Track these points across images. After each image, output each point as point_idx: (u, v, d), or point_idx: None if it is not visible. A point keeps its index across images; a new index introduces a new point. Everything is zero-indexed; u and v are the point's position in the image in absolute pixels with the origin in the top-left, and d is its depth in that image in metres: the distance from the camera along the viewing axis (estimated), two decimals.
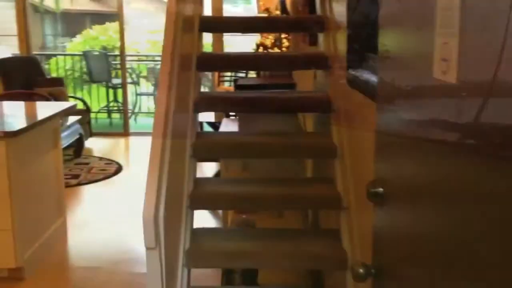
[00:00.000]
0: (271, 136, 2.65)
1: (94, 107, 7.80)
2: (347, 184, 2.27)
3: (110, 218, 4.27)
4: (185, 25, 2.61)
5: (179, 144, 2.45)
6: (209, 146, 2.65)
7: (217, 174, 3.67)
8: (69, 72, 8.84)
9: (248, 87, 3.44)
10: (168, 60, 2.25)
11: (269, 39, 4.65)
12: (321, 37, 3.11)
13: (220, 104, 2.74)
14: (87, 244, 3.79)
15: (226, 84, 6.22)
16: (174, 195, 2.23)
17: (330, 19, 2.74)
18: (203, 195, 2.45)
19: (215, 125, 4.72)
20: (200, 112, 2.86)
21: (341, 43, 2.39)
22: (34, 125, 3.34)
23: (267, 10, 4.98)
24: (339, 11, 2.52)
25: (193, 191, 2.45)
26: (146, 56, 9.94)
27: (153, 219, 1.75)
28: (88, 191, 4.94)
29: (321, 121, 2.92)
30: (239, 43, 9.07)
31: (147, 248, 1.79)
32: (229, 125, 3.65)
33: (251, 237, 2.37)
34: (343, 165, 2.34)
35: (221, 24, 3.26)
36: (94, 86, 8.76)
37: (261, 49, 4.72)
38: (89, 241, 3.83)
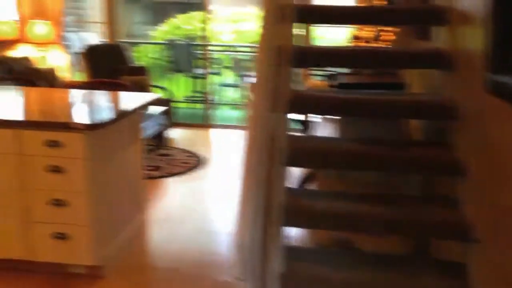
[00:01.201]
0: (379, 145, 2.28)
1: (177, 97, 7.69)
2: (479, 210, 1.87)
3: (192, 215, 4.08)
4: (278, 15, 2.31)
5: (269, 149, 2.16)
6: (305, 153, 2.32)
7: (304, 181, 3.34)
8: (153, 61, 8.81)
9: (351, 86, 3.08)
10: (264, 53, 1.95)
11: (367, 31, 4.23)
12: (436, 31, 2.69)
13: (320, 105, 2.39)
14: (167, 242, 3.61)
15: (317, 78, 5.85)
16: (262, 208, 1.93)
17: (456, 10, 2.33)
18: (297, 211, 2.13)
19: (305, 123, 4.38)
20: (294, 113, 2.54)
21: (473, 40, 1.99)
22: (115, 119, 3.18)
23: None
24: (471, 1, 2.11)
25: (284, 204, 2.14)
26: (230, 46, 9.74)
27: (246, 250, 1.46)
28: (169, 184, 4.78)
29: (436, 130, 2.53)
30: (326, 35, 8.67)
31: (238, 279, 1.50)
32: (322, 127, 3.32)
33: (353, 262, 2.04)
34: (473, 186, 1.94)
35: (319, 14, 2.91)
36: (177, 75, 8.68)
37: (356, 43, 4.32)
38: (169, 239, 3.65)
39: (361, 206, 2.12)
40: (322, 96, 2.53)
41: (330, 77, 3.72)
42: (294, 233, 3.10)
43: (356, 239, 2.42)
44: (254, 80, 2.06)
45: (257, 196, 1.84)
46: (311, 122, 4.22)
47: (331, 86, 3.28)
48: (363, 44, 4.04)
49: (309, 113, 3.92)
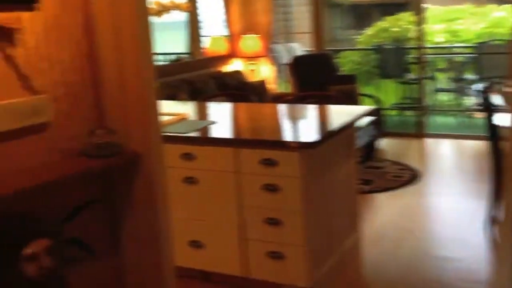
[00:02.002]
0: None
1: (385, 104, 7.32)
2: None
3: (408, 235, 3.73)
4: None
5: None
6: None
7: None
8: (358, 67, 8.57)
9: None
10: None
11: None
12: None
13: None
14: (383, 265, 3.33)
15: None
16: None
17: None
18: None
19: None
20: None
21: None
22: (329, 136, 3.02)
23: None
24: None
25: None
26: (445, 48, 8.94)
27: None
28: (380, 200, 4.48)
29: None
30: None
31: None
32: None
33: None
34: None
35: None
36: (383, 81, 8.30)
37: None
38: (384, 262, 3.36)
39: None
40: None
41: None
42: None
43: None
44: None
45: None
46: None
47: None
48: None
49: None
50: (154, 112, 1.99)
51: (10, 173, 1.70)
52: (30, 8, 1.76)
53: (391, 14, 9.62)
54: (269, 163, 2.85)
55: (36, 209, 1.74)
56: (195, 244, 3.13)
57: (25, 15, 1.75)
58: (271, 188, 2.87)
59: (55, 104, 1.86)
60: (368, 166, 5.24)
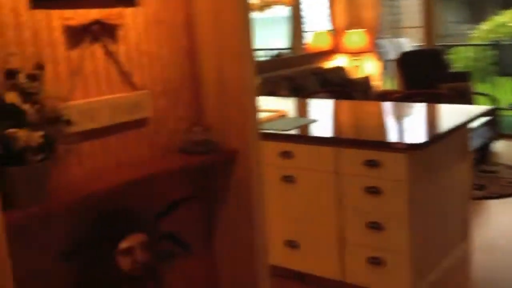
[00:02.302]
0: None
1: (502, 104, 6.78)
2: None
3: None
4: None
5: None
6: None
7: None
8: (472, 63, 8.02)
9: None
10: None
11: None
12: None
13: None
14: (495, 276, 3.07)
15: None
16: None
17: None
18: None
19: None
20: None
21: None
22: (439, 137, 2.82)
23: None
24: None
25: None
26: None
27: None
28: (495, 206, 4.13)
29: None
30: None
31: None
32: None
33: None
34: None
35: None
36: (500, 79, 7.70)
37: None
38: (497, 272, 3.10)
39: None
40: None
41: None
42: None
43: None
44: None
45: None
46: None
47: None
48: None
49: None
50: (252, 109, 1.94)
51: (109, 167, 1.72)
52: (132, 4, 1.77)
53: (510, 7, 8.90)
54: (372, 164, 2.70)
55: (133, 203, 1.75)
56: (291, 244, 3.06)
57: (127, 11, 1.76)
58: (373, 191, 2.73)
59: (155, 99, 1.86)
60: (481, 170, 4.86)
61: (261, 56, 6.43)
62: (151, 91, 1.84)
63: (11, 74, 1.37)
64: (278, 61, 6.01)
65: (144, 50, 1.82)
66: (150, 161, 1.83)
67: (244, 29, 1.89)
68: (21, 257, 1.46)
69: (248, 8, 1.94)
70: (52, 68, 1.56)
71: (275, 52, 6.50)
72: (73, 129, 1.53)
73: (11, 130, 1.31)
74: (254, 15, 5.86)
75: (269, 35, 6.83)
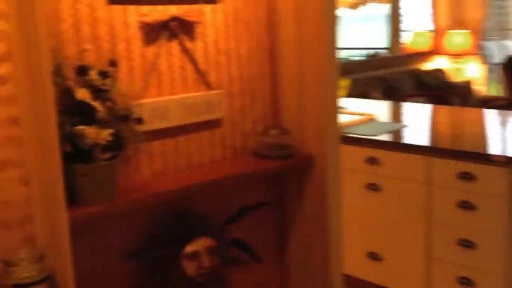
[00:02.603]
0: None
1: None
2: None
3: None
4: None
5: None
6: None
7: None
8: None
9: None
10: None
11: None
12: None
13: None
14: None
15: None
16: None
17: None
18: None
19: None
20: None
21: None
22: None
23: None
24: None
25: None
26: None
27: None
28: None
29: None
30: None
31: None
32: None
33: None
34: None
35: None
36: None
37: None
38: None
39: None
40: None
41: None
42: None
43: None
44: None
45: None
46: None
47: None
48: None
49: None
50: (333, 113, 1.81)
51: (180, 168, 1.68)
52: (212, 1, 1.71)
53: None
54: (467, 177, 2.49)
55: (202, 206, 1.69)
56: (374, 256, 2.90)
57: (206, 8, 1.70)
58: (467, 206, 2.51)
59: (230, 100, 1.80)
60: None
61: (355, 55, 6.23)
62: (226, 91, 1.77)
63: (83, 70, 1.36)
64: (372, 61, 5.79)
65: (222, 48, 1.75)
66: (222, 163, 1.77)
67: (328, 27, 1.77)
68: (84, 256, 1.45)
69: (334, 5, 1.82)
70: (127, 65, 1.53)
71: (371, 51, 6.26)
72: (144, 127, 1.50)
73: (79, 127, 1.30)
74: (347, 13, 5.70)
75: (364, 33, 6.60)
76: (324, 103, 1.79)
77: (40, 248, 1.32)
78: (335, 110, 1.83)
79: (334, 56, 1.81)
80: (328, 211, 1.83)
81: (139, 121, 1.48)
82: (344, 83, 3.41)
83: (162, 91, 1.62)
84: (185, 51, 1.67)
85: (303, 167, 1.85)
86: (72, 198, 1.32)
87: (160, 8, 1.59)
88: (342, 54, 5.96)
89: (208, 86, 1.73)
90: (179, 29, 1.64)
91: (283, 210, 1.94)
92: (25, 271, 1.24)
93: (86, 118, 1.33)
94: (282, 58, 1.86)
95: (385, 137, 2.91)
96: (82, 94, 1.34)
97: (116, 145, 1.38)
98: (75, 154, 1.31)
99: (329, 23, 1.78)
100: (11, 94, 1.29)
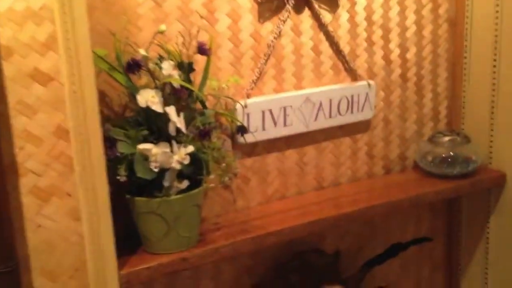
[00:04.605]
0: None
1: None
2: None
3: None
4: None
5: None
6: None
7: None
8: None
9: None
10: None
11: None
12: None
13: None
14: None
15: None
16: None
17: None
18: None
19: None
20: None
21: None
22: None
23: None
24: None
25: None
26: None
27: None
28: None
29: None
30: None
31: None
32: None
33: None
34: None
35: None
36: None
37: None
38: None
39: None
40: None
41: None
42: None
43: None
44: None
45: None
46: None
47: None
48: None
49: None
50: None
51: (305, 192, 1.21)
52: None
53: None
54: None
55: (332, 244, 1.23)
56: None
57: None
58: None
59: (385, 93, 1.27)
60: None
61: None
62: (380, 81, 1.25)
63: (154, 62, 0.95)
64: None
65: (376, 19, 1.22)
66: (369, 183, 1.26)
67: None
68: None
69: None
70: (229, 51, 1.09)
71: None
72: (250, 139, 1.07)
73: (142, 145, 0.90)
74: None
75: None
76: None
77: None
78: None
79: None
80: None
81: (242, 130, 1.05)
82: None
83: (282, 85, 1.15)
84: (321, 26, 1.17)
85: (490, 189, 1.28)
86: (139, 243, 0.97)
87: None
88: None
89: (353, 75, 1.22)
90: None
91: (454, 248, 1.39)
92: None
93: (153, 132, 0.93)
94: (472, 35, 1.27)
95: None
96: (148, 96, 0.92)
97: (197, 169, 0.95)
98: (136, 184, 0.93)
99: None
100: (60, 96, 0.92)
